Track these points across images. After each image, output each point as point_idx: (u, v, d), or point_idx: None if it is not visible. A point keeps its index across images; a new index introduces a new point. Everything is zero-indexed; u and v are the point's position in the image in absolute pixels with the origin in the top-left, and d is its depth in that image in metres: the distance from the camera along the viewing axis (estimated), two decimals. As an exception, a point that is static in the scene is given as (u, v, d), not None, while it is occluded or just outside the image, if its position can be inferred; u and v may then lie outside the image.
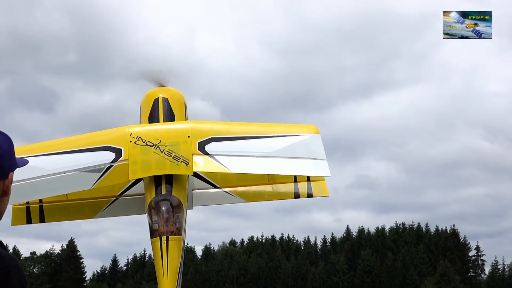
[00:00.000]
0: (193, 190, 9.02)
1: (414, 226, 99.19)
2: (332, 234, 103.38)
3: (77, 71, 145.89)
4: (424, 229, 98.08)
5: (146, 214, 8.09)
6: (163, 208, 7.91)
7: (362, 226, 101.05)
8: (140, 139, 8.03)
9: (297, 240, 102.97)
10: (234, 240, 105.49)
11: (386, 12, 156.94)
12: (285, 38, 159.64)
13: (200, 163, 7.96)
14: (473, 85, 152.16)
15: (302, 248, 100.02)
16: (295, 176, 9.02)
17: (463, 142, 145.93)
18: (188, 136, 8.10)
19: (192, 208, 9.04)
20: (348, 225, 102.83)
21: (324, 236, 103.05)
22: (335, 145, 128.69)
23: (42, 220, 9.11)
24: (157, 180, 8.10)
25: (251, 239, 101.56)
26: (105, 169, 7.91)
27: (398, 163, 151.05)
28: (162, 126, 8.69)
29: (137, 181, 8.74)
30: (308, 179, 9.01)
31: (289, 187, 9.08)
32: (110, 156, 8.00)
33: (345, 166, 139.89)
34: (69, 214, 9.29)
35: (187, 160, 7.92)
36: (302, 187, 9.03)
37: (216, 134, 8.18)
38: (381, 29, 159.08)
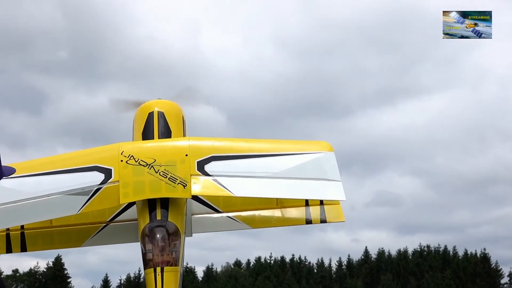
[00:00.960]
0: (192, 215, 8.37)
1: (440, 249, 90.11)
2: (349, 256, 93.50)
3: (68, 69, 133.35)
4: (451, 252, 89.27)
5: (139, 242, 7.43)
6: (158, 236, 7.28)
7: (382, 248, 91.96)
8: (132, 158, 7.42)
9: (310, 262, 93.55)
10: (239, 261, 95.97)
11: (414, 10, 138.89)
12: (301, 36, 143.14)
13: (200, 185, 7.33)
14: (510, 93, 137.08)
15: (315, 271, 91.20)
16: (306, 200, 8.34)
17: (496, 157, 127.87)
18: (186, 155, 7.49)
19: (191, 235, 8.38)
20: (366, 247, 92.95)
21: (340, 258, 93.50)
22: (353, 157, 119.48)
23: (23, 248, 8.43)
24: (151, 204, 7.45)
25: (258, 260, 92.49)
26: (93, 192, 7.30)
27: (424, 179, 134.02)
28: (157, 144, 8.04)
29: (130, 205, 8.08)
30: (322, 202, 8.35)
31: (300, 212, 8.43)
32: (98, 177, 7.39)
33: (364, 181, 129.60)
34: (53, 242, 8.59)
35: (184, 182, 7.30)
36: (315, 211, 8.37)
37: (218, 152, 7.56)
38: (408, 28, 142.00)
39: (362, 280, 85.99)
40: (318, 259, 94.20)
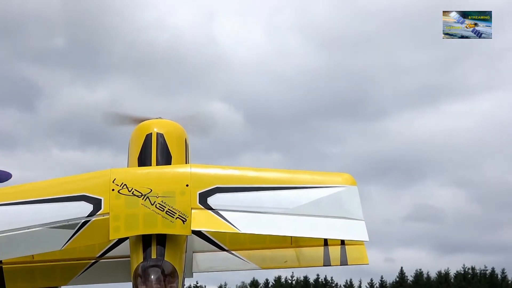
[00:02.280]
0: (193, 252, 7.63)
1: (487, 272, 79.23)
2: (382, 278, 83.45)
3: (64, 59, 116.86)
4: (499, 276, 78.73)
5: (132, 283, 6.76)
6: (152, 277, 6.58)
7: (420, 269, 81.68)
8: (125, 187, 6.73)
9: (337, 283, 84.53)
10: (257, 280, 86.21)
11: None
12: (329, 26, 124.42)
13: (201, 221, 6.63)
14: None
15: None
16: (325, 239, 7.59)
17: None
18: (187, 185, 6.77)
19: (192, 276, 7.69)
20: (402, 267, 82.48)
21: (371, 280, 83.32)
22: (388, 164, 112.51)
23: (1, 285, 7.71)
24: (145, 240, 6.74)
25: (278, 279, 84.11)
26: (79, 225, 6.63)
27: (469, 191, 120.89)
28: (154, 171, 7.31)
29: (123, 239, 7.30)
30: (343, 242, 7.60)
31: (318, 252, 7.67)
32: (86, 208, 6.70)
33: (400, 192, 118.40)
34: (35, 279, 7.84)
35: (184, 217, 6.62)
36: (335, 252, 7.62)
37: (223, 183, 6.84)
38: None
39: (397, 306, 76.35)
40: (347, 280, 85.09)
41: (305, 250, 7.67)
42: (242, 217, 6.64)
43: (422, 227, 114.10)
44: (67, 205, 6.74)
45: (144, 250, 6.72)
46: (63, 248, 6.67)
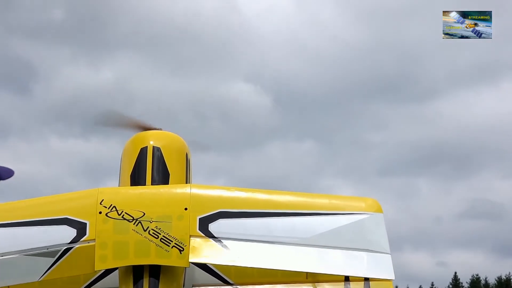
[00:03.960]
0: (192, 286, 6.85)
1: None
2: (432, 284, 76.22)
3: (64, 34, 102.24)
4: None
5: None
6: None
7: (477, 274, 73.20)
8: (114, 209, 6.09)
9: None
10: None
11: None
12: None
13: (202, 251, 5.99)
14: None
15: None
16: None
17: None
18: (186, 208, 6.12)
19: None
20: (456, 272, 74.43)
21: (421, 287, 77.69)
22: (440, 153, 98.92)
23: None
24: (137, 271, 6.09)
25: None
26: (60, 252, 6.01)
27: None
28: (148, 191, 6.61)
29: (111, 269, 6.53)
30: (367, 278, 6.65)
31: None
32: (69, 233, 6.08)
33: (453, 185, 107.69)
34: None
35: (181, 245, 5.97)
36: None
37: (227, 207, 6.17)
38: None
39: (450, 316, 69.03)
40: None
41: (322, 286, 6.84)
42: (249, 248, 5.96)
43: (480, 225, 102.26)
44: (47, 229, 6.11)
45: (135, 282, 6.06)
46: (41, 279, 6.03)
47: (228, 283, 6.91)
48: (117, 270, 6.42)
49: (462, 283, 73.55)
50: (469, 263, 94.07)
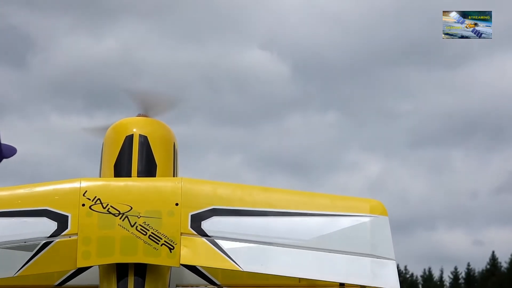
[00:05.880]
0: (176, 286, 6.45)
1: None
2: (469, 265, 69.97)
3: (62, 1, 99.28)
4: None
5: None
6: None
7: None
8: (99, 202, 5.64)
9: (412, 273, 72.25)
10: None
11: None
12: None
13: (193, 251, 5.55)
14: None
15: (421, 286, 71.30)
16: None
17: None
18: (177, 204, 5.67)
19: None
20: (494, 251, 68.89)
21: (456, 269, 70.72)
22: (474, 122, 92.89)
23: None
24: (121, 269, 5.63)
25: None
26: (39, 247, 5.55)
27: None
28: (136, 183, 6.12)
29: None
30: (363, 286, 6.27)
31: None
32: (48, 226, 5.61)
33: (490, 157, 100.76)
34: None
35: (171, 244, 5.53)
36: None
37: (221, 204, 5.74)
38: None
39: (487, 300, 63.39)
40: (425, 269, 73.08)
41: None
42: (245, 249, 5.53)
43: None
44: (25, 221, 5.62)
45: (119, 280, 5.59)
46: (17, 274, 5.55)
47: (214, 284, 6.49)
48: (97, 266, 5.89)
49: (500, 263, 68.85)
50: (508, 242, 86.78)
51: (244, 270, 5.57)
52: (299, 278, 6.32)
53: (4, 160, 7.19)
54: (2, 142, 6.31)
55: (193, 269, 6.32)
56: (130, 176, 6.52)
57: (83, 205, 5.63)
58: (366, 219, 5.76)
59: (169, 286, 6.02)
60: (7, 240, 5.54)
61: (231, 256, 5.50)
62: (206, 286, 6.47)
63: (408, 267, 72.16)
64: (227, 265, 5.52)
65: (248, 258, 5.53)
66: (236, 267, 5.50)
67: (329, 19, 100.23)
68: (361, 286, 5.82)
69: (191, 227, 5.61)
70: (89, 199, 5.64)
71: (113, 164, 6.65)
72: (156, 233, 5.54)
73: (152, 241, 5.52)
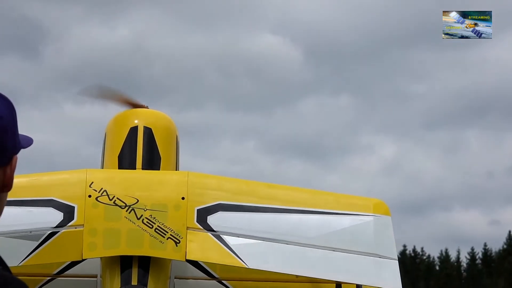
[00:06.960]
0: (175, 278, 6.36)
1: None
2: (485, 245, 68.57)
3: None
4: None
5: None
6: None
7: None
8: (105, 193, 5.57)
9: (429, 255, 71.22)
10: None
11: None
12: None
13: (199, 245, 5.48)
14: None
15: (437, 267, 69.38)
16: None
17: None
18: (183, 198, 5.61)
19: None
20: (510, 231, 66.53)
21: (472, 249, 69.24)
22: (489, 100, 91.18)
23: None
24: (124, 260, 5.55)
25: None
26: (44, 237, 5.48)
27: None
28: (142, 176, 6.10)
29: None
30: (359, 286, 6.06)
31: None
32: (55, 216, 5.56)
33: (505, 136, 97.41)
34: None
35: (177, 237, 5.46)
36: None
37: (228, 199, 5.70)
38: None
39: (505, 280, 61.82)
40: (441, 250, 71.21)
41: (315, 286, 6.26)
42: (251, 246, 5.49)
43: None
44: (31, 211, 5.59)
45: (122, 271, 5.51)
46: (21, 264, 5.46)
47: (212, 277, 6.39)
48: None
49: (518, 243, 66.81)
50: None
51: (250, 267, 5.47)
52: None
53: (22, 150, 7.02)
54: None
55: (191, 261, 6.20)
56: (134, 168, 6.44)
57: (90, 196, 5.57)
58: (369, 218, 5.73)
59: (170, 279, 5.99)
60: (13, 229, 5.47)
61: (236, 252, 5.44)
62: (204, 279, 6.33)
63: (424, 249, 72.12)
64: (233, 261, 5.45)
65: (253, 255, 5.49)
66: (242, 264, 5.42)
67: (340, 1, 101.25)
68: (356, 285, 5.79)
69: (197, 221, 5.56)
70: (96, 191, 5.57)
71: (117, 156, 6.54)
72: (162, 226, 5.49)
73: (158, 235, 5.46)
